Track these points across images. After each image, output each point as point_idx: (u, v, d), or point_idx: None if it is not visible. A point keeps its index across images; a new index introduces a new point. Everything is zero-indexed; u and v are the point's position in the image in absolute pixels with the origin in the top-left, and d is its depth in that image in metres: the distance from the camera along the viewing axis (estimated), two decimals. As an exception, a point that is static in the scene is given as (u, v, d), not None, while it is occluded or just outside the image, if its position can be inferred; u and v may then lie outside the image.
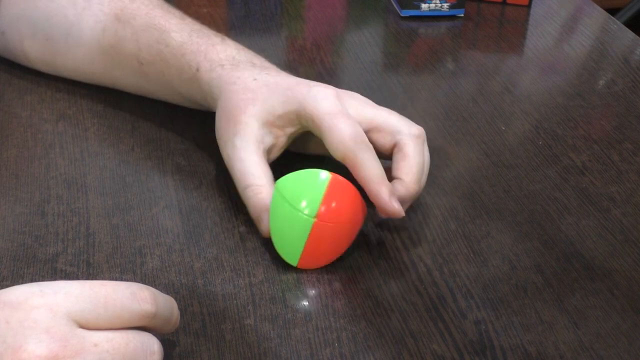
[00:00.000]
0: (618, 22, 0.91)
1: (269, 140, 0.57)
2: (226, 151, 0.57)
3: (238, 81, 0.58)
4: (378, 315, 0.51)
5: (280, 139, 0.57)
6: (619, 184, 0.64)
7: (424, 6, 0.88)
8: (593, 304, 0.52)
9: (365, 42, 0.83)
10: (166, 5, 0.65)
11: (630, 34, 0.88)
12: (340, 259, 0.55)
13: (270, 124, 0.57)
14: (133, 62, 0.64)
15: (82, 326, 0.40)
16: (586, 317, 0.51)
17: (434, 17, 0.89)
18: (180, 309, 0.48)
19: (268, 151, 0.57)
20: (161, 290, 0.44)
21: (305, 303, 0.52)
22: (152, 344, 0.42)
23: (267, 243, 0.55)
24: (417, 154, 0.56)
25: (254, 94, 0.57)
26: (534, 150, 0.67)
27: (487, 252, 0.56)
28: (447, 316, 0.51)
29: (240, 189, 0.56)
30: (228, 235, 0.56)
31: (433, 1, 0.88)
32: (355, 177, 0.53)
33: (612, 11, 1.71)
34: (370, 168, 0.53)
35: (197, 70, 0.60)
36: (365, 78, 0.76)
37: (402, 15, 0.88)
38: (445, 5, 0.88)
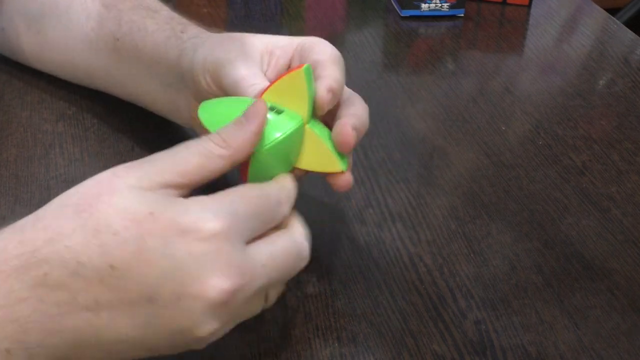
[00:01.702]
0: (618, 22, 0.91)
1: (262, 67, 0.53)
2: (225, 68, 0.51)
3: (228, 33, 0.56)
4: (378, 315, 0.51)
5: (270, 71, 0.54)
6: (619, 184, 0.64)
7: (424, 6, 0.88)
8: (593, 304, 0.52)
9: (365, 42, 0.83)
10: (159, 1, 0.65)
11: (630, 34, 0.88)
12: (341, 259, 0.55)
13: (270, 52, 0.53)
14: (108, 38, 0.63)
15: (248, 242, 0.42)
16: (586, 317, 0.52)
17: (434, 17, 0.89)
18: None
19: None
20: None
21: (305, 303, 0.52)
22: (303, 249, 0.45)
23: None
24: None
25: (255, 34, 0.54)
26: (534, 150, 0.67)
27: (487, 252, 0.56)
28: (447, 316, 0.51)
29: (229, 88, 0.51)
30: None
31: (433, 1, 0.88)
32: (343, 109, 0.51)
33: (612, 11, 1.70)
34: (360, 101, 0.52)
35: (182, 32, 0.58)
36: (365, 78, 0.76)
37: (402, 15, 0.88)
38: (445, 5, 0.88)
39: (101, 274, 0.39)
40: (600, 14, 0.93)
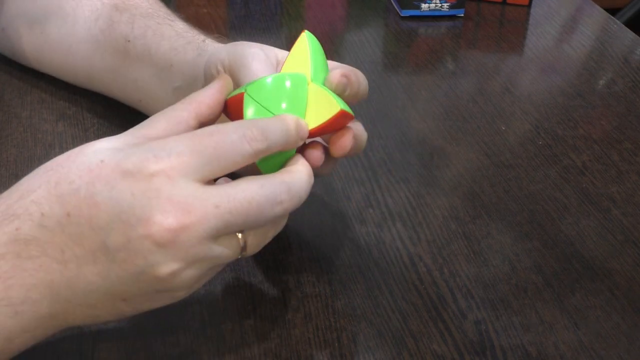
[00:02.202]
0: (618, 22, 0.91)
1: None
2: (242, 51, 0.52)
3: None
4: (378, 315, 0.51)
5: None
6: (619, 184, 0.64)
7: (424, 6, 0.88)
8: (593, 304, 0.52)
9: (365, 42, 0.83)
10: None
11: (630, 34, 0.88)
12: (341, 259, 0.55)
13: (274, 66, 0.53)
14: (119, 41, 0.63)
15: (200, 182, 0.41)
16: (586, 317, 0.52)
17: (434, 17, 0.89)
18: (180, 309, 0.48)
19: None
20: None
21: (305, 303, 0.52)
22: (279, 193, 0.43)
23: (267, 243, 0.55)
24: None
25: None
26: (534, 150, 0.67)
27: (487, 252, 0.56)
28: (447, 316, 0.51)
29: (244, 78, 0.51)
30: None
31: (433, 1, 0.88)
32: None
33: (612, 11, 1.71)
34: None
35: (204, 41, 0.59)
36: (365, 78, 0.76)
37: (402, 15, 0.88)
38: (445, 5, 0.88)
39: (61, 223, 0.41)
40: (600, 14, 0.93)
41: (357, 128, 0.50)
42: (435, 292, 0.53)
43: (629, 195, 0.63)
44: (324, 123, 0.47)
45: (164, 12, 0.64)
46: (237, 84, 0.51)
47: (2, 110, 0.68)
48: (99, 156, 0.42)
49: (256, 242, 0.45)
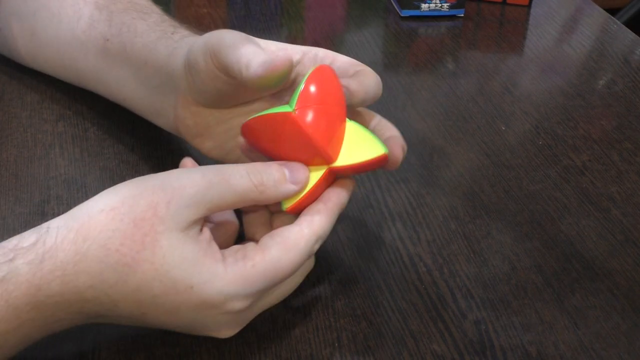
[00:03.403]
0: (618, 22, 0.91)
1: None
2: (223, 36, 0.50)
3: None
4: (378, 315, 0.51)
5: None
6: (619, 184, 0.64)
7: (424, 6, 0.88)
8: (593, 304, 0.52)
9: (365, 42, 0.83)
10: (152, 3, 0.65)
11: (630, 34, 0.88)
12: (341, 259, 0.55)
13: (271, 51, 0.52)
14: (98, 40, 0.62)
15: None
16: (586, 317, 0.52)
17: (434, 17, 0.89)
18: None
19: None
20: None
21: (305, 303, 0.52)
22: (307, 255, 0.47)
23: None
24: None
25: None
26: (534, 150, 0.67)
27: (487, 252, 0.56)
28: (447, 316, 0.51)
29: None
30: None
31: (433, 1, 0.88)
32: (386, 133, 0.52)
33: (612, 11, 1.70)
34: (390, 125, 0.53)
35: (172, 33, 0.58)
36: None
37: (402, 15, 0.88)
38: (445, 5, 0.88)
39: (133, 316, 0.44)
40: (600, 14, 0.93)
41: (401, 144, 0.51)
42: (435, 292, 0.53)
43: (629, 195, 0.63)
44: (364, 162, 0.48)
45: (141, 3, 0.63)
46: (225, 69, 0.49)
47: (2, 110, 0.68)
48: (185, 275, 0.43)
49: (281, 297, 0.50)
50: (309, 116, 0.46)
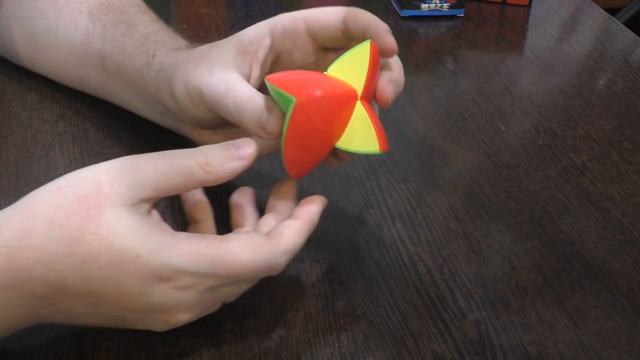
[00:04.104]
0: (618, 22, 0.91)
1: (244, 70, 0.53)
2: (202, 86, 0.51)
3: (195, 48, 0.55)
4: (378, 315, 0.51)
5: (254, 69, 0.53)
6: (619, 184, 0.64)
7: (424, 6, 0.88)
8: (593, 304, 0.52)
9: (365, 42, 0.83)
10: (144, 6, 0.64)
11: (630, 34, 0.88)
12: (341, 259, 0.55)
13: (242, 52, 0.52)
14: (96, 56, 0.62)
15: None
16: (586, 317, 0.52)
17: (434, 17, 0.89)
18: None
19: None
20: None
21: (305, 303, 0.52)
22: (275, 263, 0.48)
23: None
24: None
25: (218, 42, 0.54)
26: (534, 150, 0.67)
27: (487, 252, 0.56)
28: (447, 316, 0.51)
29: (235, 115, 0.50)
30: (228, 235, 0.56)
31: (433, 1, 0.88)
32: (361, 22, 0.52)
33: (612, 11, 1.70)
34: (368, 13, 0.53)
35: (153, 56, 0.57)
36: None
37: (402, 15, 0.88)
38: (445, 5, 0.88)
39: (83, 295, 0.43)
40: (600, 14, 0.93)
41: (395, 76, 0.51)
42: (435, 292, 0.53)
43: (628, 195, 0.63)
44: (353, 152, 0.49)
45: (130, 14, 0.62)
46: (218, 113, 0.51)
47: (2, 110, 0.68)
48: (130, 244, 0.42)
49: (234, 296, 0.49)
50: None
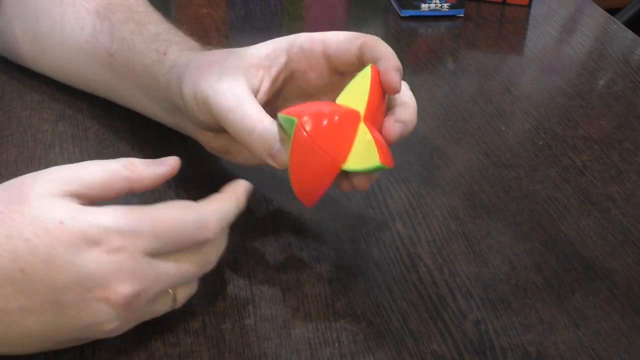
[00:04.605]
0: (618, 22, 0.91)
1: (254, 83, 0.52)
2: (209, 93, 0.51)
3: (209, 51, 0.55)
4: (378, 315, 0.51)
5: (264, 83, 0.53)
6: (619, 184, 0.64)
7: (424, 6, 0.88)
8: (593, 304, 0.52)
9: (365, 42, 0.83)
10: (152, 6, 0.64)
11: (630, 34, 0.88)
12: (341, 259, 0.55)
13: (256, 66, 0.52)
14: (103, 54, 0.62)
15: (154, 257, 0.44)
16: (586, 317, 0.52)
17: (434, 17, 0.89)
18: (180, 309, 0.48)
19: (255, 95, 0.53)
20: (161, 290, 0.45)
21: (305, 303, 0.52)
22: (210, 262, 0.48)
23: (267, 243, 0.55)
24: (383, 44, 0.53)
25: (234, 49, 0.54)
26: (534, 150, 0.67)
27: (487, 252, 0.56)
28: (447, 316, 0.51)
29: (243, 135, 0.50)
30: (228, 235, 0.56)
31: (433, 1, 0.88)
32: (375, 52, 0.51)
33: (612, 11, 1.70)
34: (385, 45, 0.52)
35: (165, 54, 0.57)
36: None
37: (402, 15, 0.88)
38: (445, 5, 0.88)
39: (12, 277, 0.41)
40: (600, 14, 0.93)
41: (405, 117, 0.52)
42: (435, 292, 0.53)
43: (629, 195, 0.63)
44: (357, 171, 0.50)
45: (139, 13, 0.62)
46: (220, 122, 0.51)
47: (2, 110, 0.68)
48: (54, 214, 0.42)
49: (186, 295, 0.48)
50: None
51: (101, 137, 0.66)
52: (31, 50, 0.69)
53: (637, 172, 0.65)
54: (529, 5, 0.92)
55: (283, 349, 0.48)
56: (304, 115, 0.48)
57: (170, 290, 0.46)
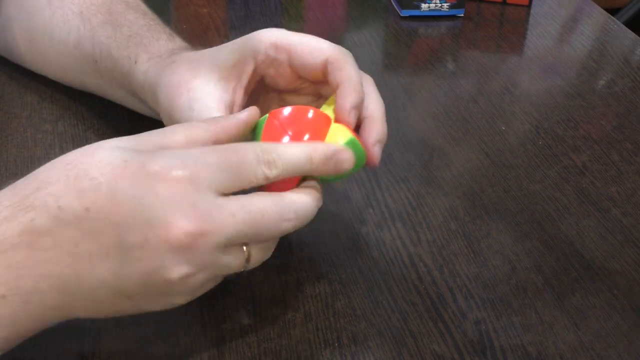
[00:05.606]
0: (618, 22, 0.91)
1: (226, 99, 0.53)
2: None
3: (178, 59, 0.55)
4: (378, 315, 0.51)
5: (238, 95, 0.53)
6: (619, 184, 0.64)
7: (424, 6, 0.88)
8: (593, 304, 0.53)
9: (365, 42, 0.83)
10: (133, 2, 0.64)
11: (630, 34, 0.88)
12: (341, 259, 0.55)
13: (225, 78, 0.52)
14: (89, 60, 0.63)
15: (219, 193, 0.42)
16: (586, 317, 0.52)
17: (434, 17, 0.89)
18: (180, 309, 0.48)
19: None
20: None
21: (305, 303, 0.52)
22: (289, 211, 0.44)
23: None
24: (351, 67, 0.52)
25: (200, 59, 0.54)
26: (534, 150, 0.67)
27: (487, 252, 0.56)
28: (447, 316, 0.51)
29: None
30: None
31: (433, 1, 0.88)
32: (337, 77, 0.50)
33: (612, 11, 1.71)
34: (352, 68, 0.51)
35: (135, 62, 0.58)
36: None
37: (402, 15, 0.88)
38: (445, 5, 0.88)
39: (79, 217, 0.41)
40: (600, 14, 0.93)
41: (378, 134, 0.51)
42: (435, 292, 0.53)
43: (629, 195, 0.63)
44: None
45: (117, 13, 0.62)
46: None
47: (2, 110, 0.68)
48: (121, 155, 0.42)
49: (259, 256, 0.46)
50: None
51: (101, 137, 0.66)
52: (29, 51, 0.69)
53: (637, 172, 0.65)
54: (529, 5, 0.92)
55: (283, 349, 0.48)
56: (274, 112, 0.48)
57: (243, 246, 0.44)
